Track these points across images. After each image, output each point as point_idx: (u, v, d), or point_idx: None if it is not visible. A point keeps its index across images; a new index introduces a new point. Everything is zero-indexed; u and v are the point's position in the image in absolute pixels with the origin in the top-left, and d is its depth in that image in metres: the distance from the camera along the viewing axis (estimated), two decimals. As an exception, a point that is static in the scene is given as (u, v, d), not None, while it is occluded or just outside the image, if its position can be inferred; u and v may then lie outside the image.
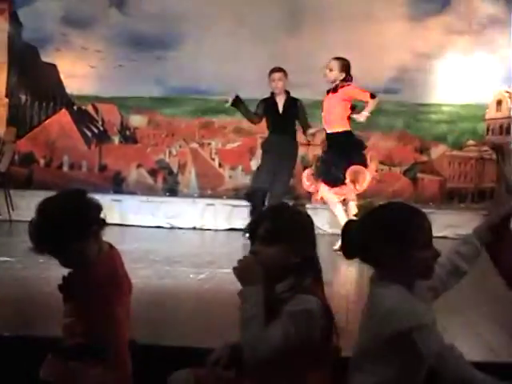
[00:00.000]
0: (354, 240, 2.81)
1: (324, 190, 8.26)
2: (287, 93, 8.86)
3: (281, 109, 8.84)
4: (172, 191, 11.11)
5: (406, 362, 2.72)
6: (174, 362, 3.21)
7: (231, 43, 10.74)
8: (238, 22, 10.81)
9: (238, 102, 8.81)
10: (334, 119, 8.29)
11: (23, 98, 11.40)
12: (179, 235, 9.65)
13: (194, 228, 10.16)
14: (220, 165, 11.18)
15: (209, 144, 11.24)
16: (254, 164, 10.94)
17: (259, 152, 10.77)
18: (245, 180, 11.05)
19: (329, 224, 9.51)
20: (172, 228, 10.14)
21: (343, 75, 8.24)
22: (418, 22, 10.88)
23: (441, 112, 11.04)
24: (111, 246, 3.22)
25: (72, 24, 11.33)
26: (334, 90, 8.28)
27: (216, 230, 10.02)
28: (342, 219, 7.86)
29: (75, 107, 11.42)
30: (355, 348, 2.86)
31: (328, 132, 8.40)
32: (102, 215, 3.13)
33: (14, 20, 11.35)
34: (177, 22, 11.12)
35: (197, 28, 11.02)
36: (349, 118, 8.30)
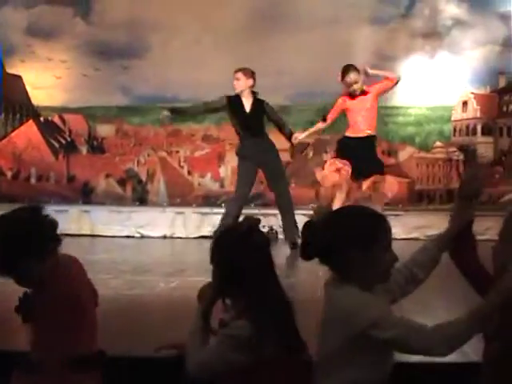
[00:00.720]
0: (315, 241, 2.81)
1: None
2: (253, 93, 8.70)
3: (248, 109, 8.66)
4: (141, 200, 11.07)
5: (372, 361, 2.72)
6: (144, 373, 3.19)
7: (197, 50, 10.74)
8: (203, 29, 10.81)
9: (176, 114, 8.90)
10: (370, 122, 8.36)
11: (-12, 110, 11.32)
12: (149, 244, 9.60)
13: (165, 237, 10.12)
14: (189, 172, 11.15)
15: (177, 152, 11.20)
16: (223, 171, 10.94)
17: (228, 159, 10.78)
18: (214, 187, 11.04)
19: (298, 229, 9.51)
20: (142, 237, 10.09)
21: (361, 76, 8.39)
22: (382, 26, 10.93)
23: (407, 114, 11.10)
24: (72, 259, 3.18)
25: (36, 34, 11.27)
26: (363, 92, 8.35)
27: (186, 238, 9.98)
28: None
29: (42, 118, 11.35)
30: (319, 353, 2.85)
31: (358, 136, 8.34)
32: (57, 231, 3.08)
33: (-22, 32, 11.27)
34: (142, 30, 11.09)
35: (162, 36, 11.02)
36: None
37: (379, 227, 2.79)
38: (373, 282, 2.79)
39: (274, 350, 2.80)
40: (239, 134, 8.77)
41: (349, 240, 2.73)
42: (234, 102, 8.66)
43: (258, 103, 8.65)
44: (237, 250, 2.96)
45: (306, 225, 2.89)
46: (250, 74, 8.62)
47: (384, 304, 2.77)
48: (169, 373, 3.35)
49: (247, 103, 8.65)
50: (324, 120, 8.54)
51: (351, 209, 2.99)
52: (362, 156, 8.22)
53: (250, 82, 8.61)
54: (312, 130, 8.79)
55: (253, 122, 8.64)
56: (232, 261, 2.94)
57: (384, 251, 2.75)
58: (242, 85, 8.60)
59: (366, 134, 8.33)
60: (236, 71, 8.64)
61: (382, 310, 2.70)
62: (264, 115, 8.70)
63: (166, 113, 8.77)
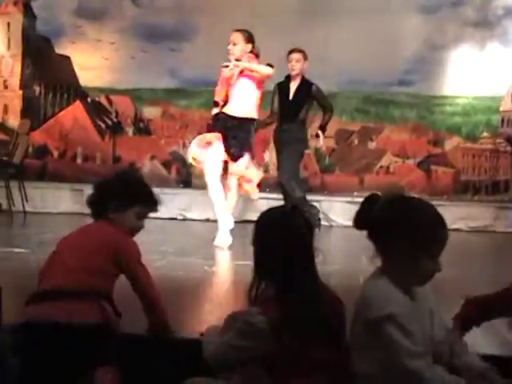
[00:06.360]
0: (375, 217, 2.72)
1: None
2: (302, 77, 8.31)
3: (291, 94, 8.31)
4: (185, 183, 11.11)
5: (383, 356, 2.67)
6: (188, 355, 3.21)
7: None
8: (251, 12, 10.78)
9: None
10: (240, 102, 7.29)
11: (37, 89, 11.44)
12: (192, 227, 9.64)
13: (208, 220, 10.14)
14: (233, 157, 11.15)
15: (222, 136, 11.22)
16: (268, 156, 10.93)
17: (272, 144, 10.79)
18: (258, 172, 11.04)
19: (343, 216, 9.50)
20: (185, 220, 10.13)
21: (249, 47, 7.32)
22: (432, 14, 10.84)
23: (455, 104, 11.02)
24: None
25: (86, 16, 11.36)
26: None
27: (230, 222, 9.99)
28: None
29: (89, 99, 11.45)
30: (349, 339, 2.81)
31: (229, 114, 7.27)
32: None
33: (29, 12, 11.39)
34: (190, 13, 11.12)
35: (210, 19, 11.02)
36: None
37: (439, 237, 2.69)
38: (409, 282, 2.70)
39: (292, 339, 2.72)
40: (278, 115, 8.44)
41: (406, 237, 2.65)
42: (283, 86, 8.36)
43: (303, 87, 8.29)
44: (276, 230, 2.87)
45: (371, 196, 2.78)
46: (306, 55, 8.25)
47: (408, 308, 2.65)
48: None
49: (293, 87, 8.34)
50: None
51: (422, 206, 2.77)
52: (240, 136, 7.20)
53: (307, 64, 8.26)
54: None
55: (293, 109, 8.31)
56: (269, 240, 2.86)
57: (430, 258, 2.66)
58: (299, 67, 8.23)
59: (241, 116, 7.23)
60: (293, 52, 8.26)
61: (403, 309, 2.61)
62: (309, 100, 8.32)
63: None
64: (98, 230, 3.53)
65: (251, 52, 7.35)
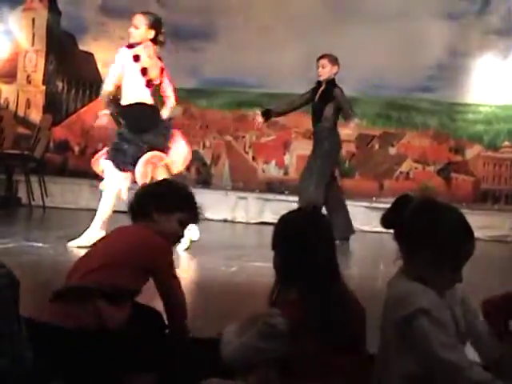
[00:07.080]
0: (401, 218, 2.67)
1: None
2: (328, 81, 8.23)
3: (317, 98, 8.30)
4: (205, 183, 11.11)
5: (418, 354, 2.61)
6: (204, 355, 3.22)
7: (267, 36, 10.73)
8: (275, 15, 10.80)
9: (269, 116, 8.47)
10: (132, 86, 7.01)
11: (60, 85, 11.49)
12: (210, 227, 9.63)
13: (225, 220, 10.16)
14: (253, 158, 11.16)
15: (243, 137, 11.22)
16: (288, 158, 10.94)
17: (293, 147, 10.78)
18: (278, 174, 11.04)
19: (361, 221, 9.48)
20: (203, 220, 10.11)
21: (152, 33, 6.79)
22: (456, 21, 10.79)
23: (477, 112, 10.96)
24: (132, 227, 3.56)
25: (110, 13, 11.39)
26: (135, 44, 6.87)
27: (247, 224, 10.00)
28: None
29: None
30: (379, 346, 2.79)
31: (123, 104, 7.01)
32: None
33: (53, 8, 11.43)
34: (213, 14, 11.13)
35: (233, 20, 11.03)
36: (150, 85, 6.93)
37: (462, 247, 2.65)
38: (430, 286, 2.65)
39: (311, 343, 2.70)
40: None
41: (429, 241, 2.61)
42: (313, 90, 8.36)
43: (327, 91, 8.24)
44: (300, 232, 2.85)
45: (403, 197, 2.74)
46: (335, 60, 8.24)
47: (437, 302, 2.61)
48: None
49: (319, 92, 8.31)
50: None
51: (453, 214, 2.73)
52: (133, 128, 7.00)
53: (335, 69, 8.23)
54: None
55: (315, 112, 8.33)
56: (293, 242, 2.84)
57: (452, 270, 2.63)
58: (326, 72, 8.21)
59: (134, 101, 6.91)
60: (321, 58, 8.26)
61: (432, 303, 2.57)
62: (333, 103, 8.19)
63: (260, 119, 8.40)
64: (134, 232, 3.45)
65: (154, 39, 6.84)
